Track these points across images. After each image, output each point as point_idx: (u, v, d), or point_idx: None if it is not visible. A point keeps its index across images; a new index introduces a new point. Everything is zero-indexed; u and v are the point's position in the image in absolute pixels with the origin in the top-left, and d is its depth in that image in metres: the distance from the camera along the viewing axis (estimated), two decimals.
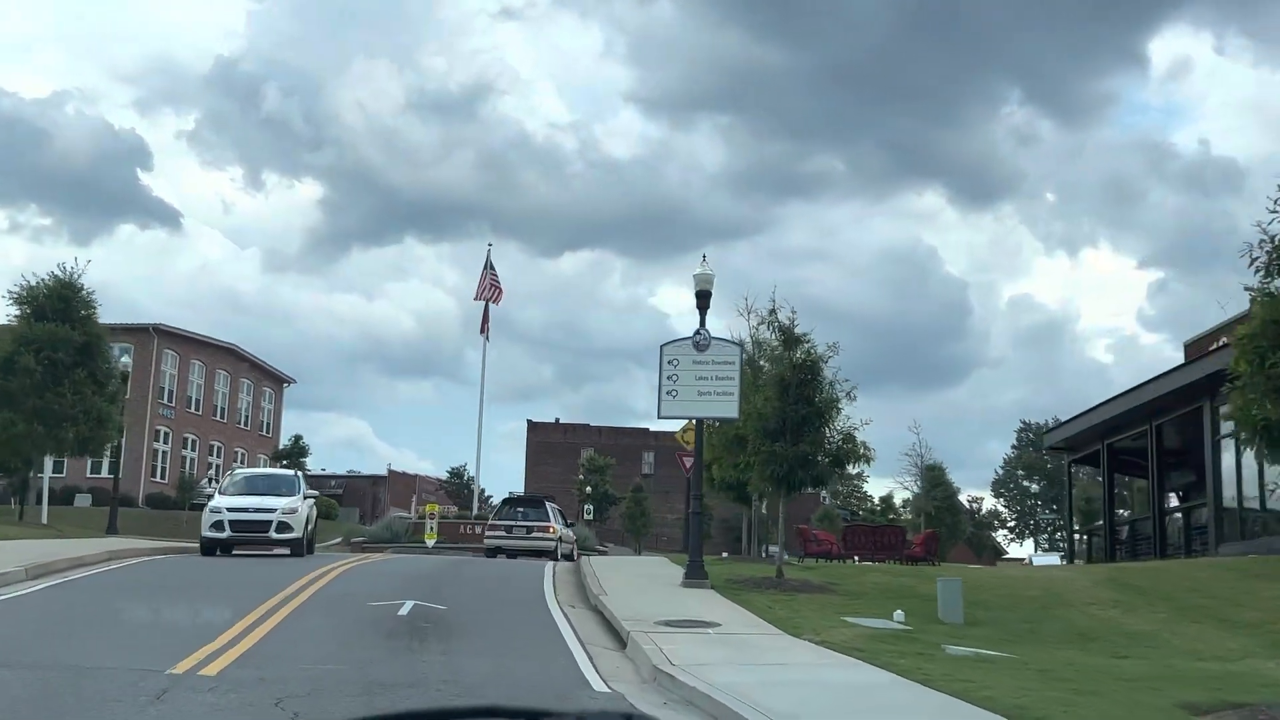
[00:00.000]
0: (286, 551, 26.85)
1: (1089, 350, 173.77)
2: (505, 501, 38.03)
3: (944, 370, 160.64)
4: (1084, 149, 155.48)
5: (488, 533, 34.71)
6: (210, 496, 29.45)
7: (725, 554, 41.86)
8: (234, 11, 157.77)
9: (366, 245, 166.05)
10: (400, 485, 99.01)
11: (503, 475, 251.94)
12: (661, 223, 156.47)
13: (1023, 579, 23.17)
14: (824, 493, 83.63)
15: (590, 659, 13.64)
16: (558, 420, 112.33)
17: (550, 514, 34.93)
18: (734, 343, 21.59)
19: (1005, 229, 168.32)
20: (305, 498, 28.66)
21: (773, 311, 21.69)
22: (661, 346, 21.25)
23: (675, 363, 21.01)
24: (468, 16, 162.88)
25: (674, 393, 20.98)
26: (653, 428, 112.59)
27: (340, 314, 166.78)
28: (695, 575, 20.40)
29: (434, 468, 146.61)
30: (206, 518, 27.53)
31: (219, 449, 75.64)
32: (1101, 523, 39.34)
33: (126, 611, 16.11)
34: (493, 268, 60.55)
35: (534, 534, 33.38)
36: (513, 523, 34.20)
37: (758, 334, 28.68)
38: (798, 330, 21.48)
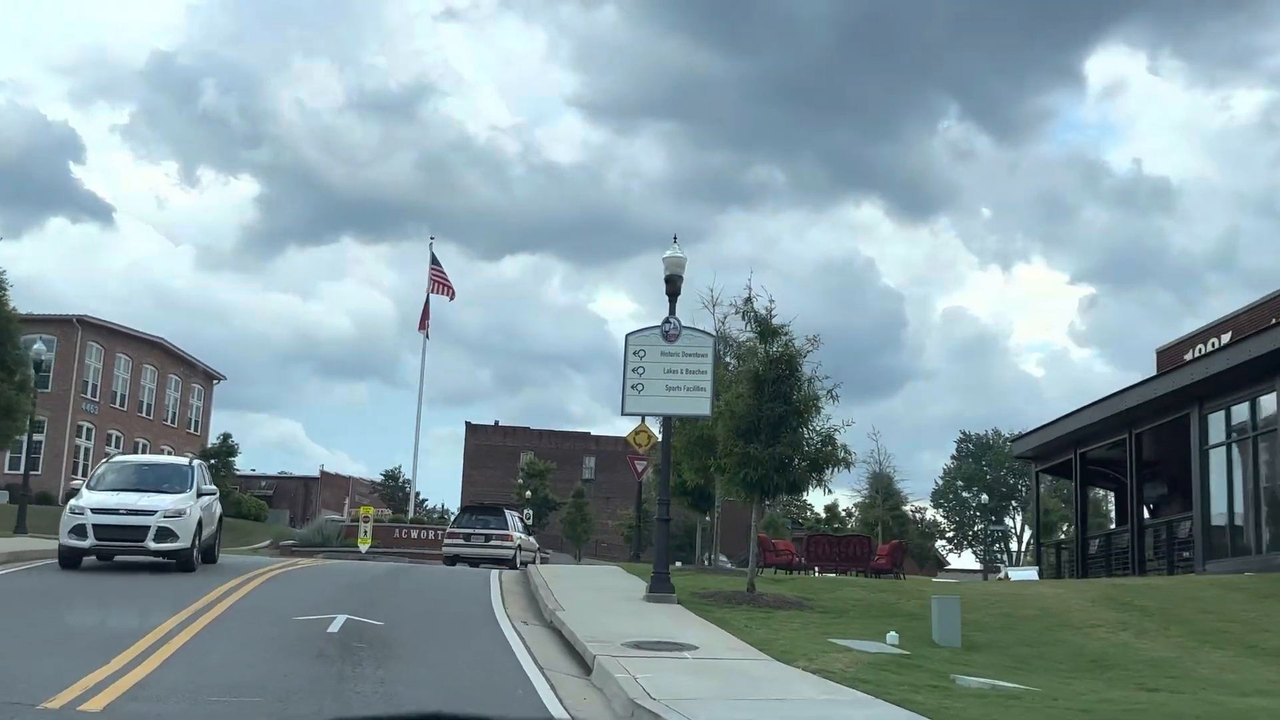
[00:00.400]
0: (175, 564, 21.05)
1: (1021, 364, 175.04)
2: (464, 510, 38.40)
3: (879, 381, 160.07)
4: (1019, 165, 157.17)
5: (446, 540, 34.44)
6: (77, 492, 22.20)
7: (679, 564, 40.08)
8: (172, 6, 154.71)
9: (303, 244, 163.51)
10: (333, 487, 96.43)
11: (439, 479, 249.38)
12: (602, 228, 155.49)
13: (1011, 596, 21.41)
14: (766, 500, 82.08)
15: (552, 687, 11.66)
16: (497, 423, 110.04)
17: (509, 522, 34.50)
18: (707, 333, 19.53)
19: (941, 242, 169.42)
20: (201, 495, 22.10)
21: (748, 300, 19.65)
22: (627, 336, 19.24)
23: (641, 354, 19.02)
24: (410, 17, 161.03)
25: (639, 387, 18.99)
26: (594, 431, 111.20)
27: (275, 314, 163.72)
28: (661, 588, 18.43)
29: (367, 470, 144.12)
30: (66, 520, 20.81)
31: (144, 446, 72.70)
32: (1071, 535, 37.82)
33: (10, 626, 13.92)
34: (438, 263, 58.53)
35: (492, 542, 32.94)
36: (471, 531, 33.81)
37: (724, 328, 26.76)
38: (775, 321, 19.51)
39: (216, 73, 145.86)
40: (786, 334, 19.54)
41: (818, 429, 19.37)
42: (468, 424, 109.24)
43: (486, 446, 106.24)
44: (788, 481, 19.20)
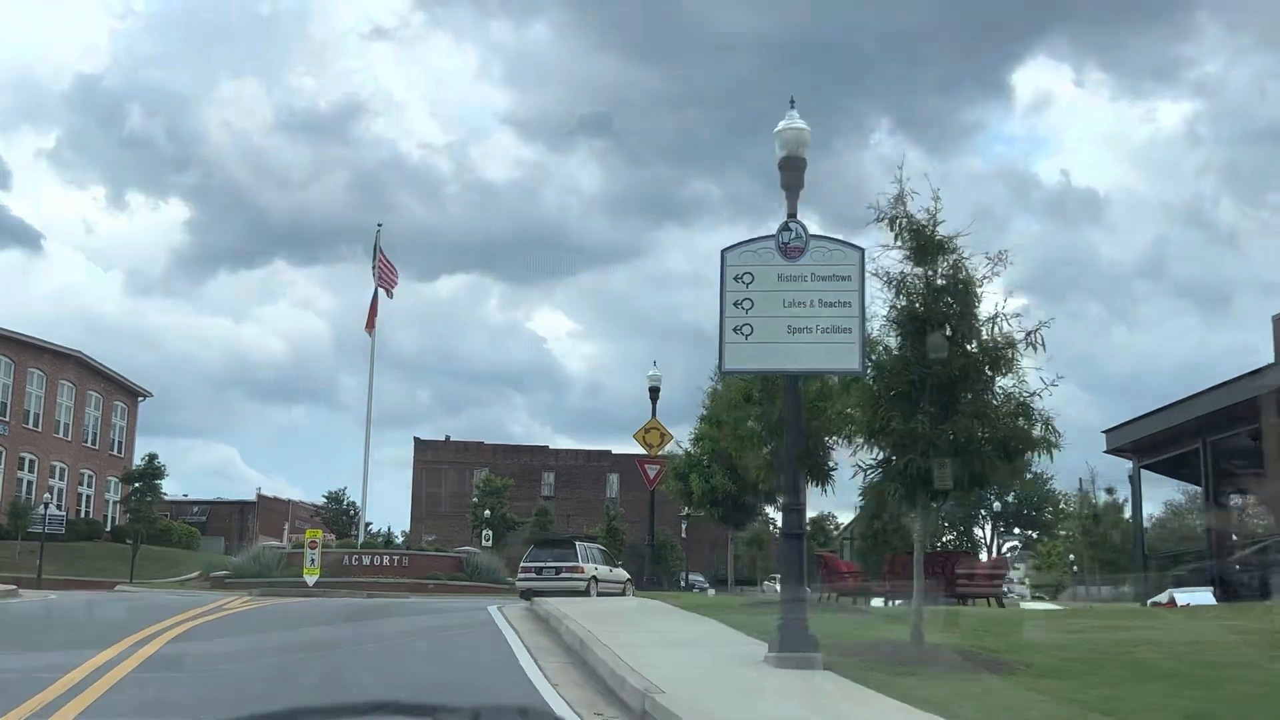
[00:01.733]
0: None
1: None
2: (536, 543, 37.23)
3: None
4: (951, 178, 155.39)
5: (520, 575, 33.46)
6: None
7: (711, 590, 34.20)
8: (96, 28, 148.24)
9: (234, 267, 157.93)
10: (272, 512, 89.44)
11: (383, 501, 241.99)
12: (539, 246, 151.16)
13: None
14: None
15: None
16: (448, 438, 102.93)
17: (580, 553, 33.56)
18: (851, 245, 12.50)
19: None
20: None
21: (899, 198, 12.89)
22: (723, 252, 12.20)
23: (747, 279, 12.12)
24: (338, 36, 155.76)
25: (746, 329, 12.06)
26: (552, 445, 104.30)
27: (207, 338, 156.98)
28: (798, 645, 11.42)
29: (305, 495, 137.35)
30: None
31: (62, 470, 65.56)
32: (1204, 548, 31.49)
33: None
34: (381, 252, 51.75)
35: (563, 575, 32.02)
36: (543, 564, 32.99)
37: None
38: (940, 233, 12.82)
39: (142, 95, 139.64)
40: (956, 250, 12.86)
41: (1010, 392, 12.73)
42: (416, 440, 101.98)
43: (437, 464, 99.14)
44: (970, 473, 12.50)
